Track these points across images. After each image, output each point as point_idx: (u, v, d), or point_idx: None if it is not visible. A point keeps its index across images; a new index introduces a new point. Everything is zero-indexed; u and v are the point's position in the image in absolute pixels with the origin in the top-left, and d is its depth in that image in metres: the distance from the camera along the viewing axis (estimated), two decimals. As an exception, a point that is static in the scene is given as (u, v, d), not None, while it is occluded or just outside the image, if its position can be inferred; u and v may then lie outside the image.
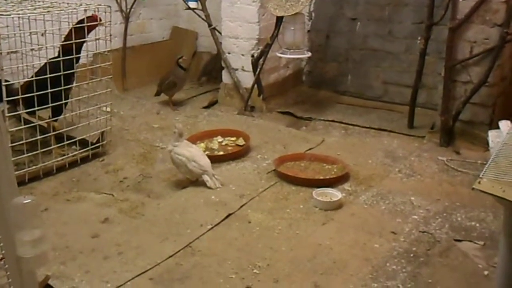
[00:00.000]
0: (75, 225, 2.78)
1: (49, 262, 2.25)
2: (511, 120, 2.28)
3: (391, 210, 2.96)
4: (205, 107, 4.70)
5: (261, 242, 2.65)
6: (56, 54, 3.36)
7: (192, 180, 3.22)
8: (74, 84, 3.47)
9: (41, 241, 1.52)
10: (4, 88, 2.99)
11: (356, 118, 4.45)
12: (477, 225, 2.81)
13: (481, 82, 3.66)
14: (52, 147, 3.35)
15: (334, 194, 3.07)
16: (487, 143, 2.99)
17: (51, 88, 3.17)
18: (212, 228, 2.76)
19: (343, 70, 5.01)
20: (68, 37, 3.34)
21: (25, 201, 1.58)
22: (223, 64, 4.74)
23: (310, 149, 3.78)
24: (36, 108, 3.16)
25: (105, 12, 3.42)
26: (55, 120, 3.44)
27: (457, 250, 2.59)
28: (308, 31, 5.00)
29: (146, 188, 3.20)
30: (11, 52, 3.25)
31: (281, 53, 4.25)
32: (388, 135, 4.08)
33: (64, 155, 3.40)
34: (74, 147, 3.51)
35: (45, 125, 3.43)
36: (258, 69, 4.44)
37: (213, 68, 5.31)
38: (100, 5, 3.51)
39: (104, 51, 3.48)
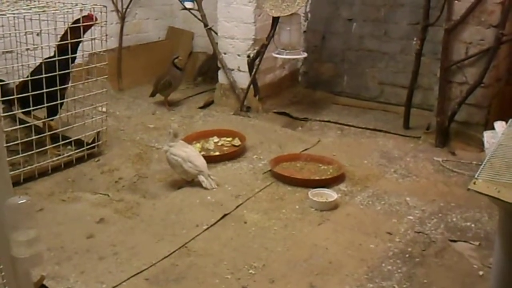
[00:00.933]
0: (70, 225, 2.77)
1: (44, 262, 2.24)
2: (507, 121, 2.29)
3: (386, 211, 2.97)
4: (201, 107, 4.70)
5: (257, 242, 2.65)
6: (52, 54, 3.35)
7: (188, 181, 3.22)
8: (70, 84, 3.46)
9: (36, 242, 1.52)
10: (-1, 88, 2.98)
11: (352, 118, 4.46)
12: (472, 225, 2.82)
13: (476, 83, 3.67)
14: (48, 147, 3.34)
15: (330, 194, 3.07)
16: (483, 144, 2.99)
17: (46, 88, 3.16)
18: (207, 228, 2.76)
19: (339, 70, 5.02)
20: (63, 37, 3.33)
21: (20, 201, 1.57)
22: (219, 65, 4.74)
23: (306, 149, 3.78)
24: (32, 108, 3.15)
25: (101, 12, 3.41)
26: (51, 120, 3.43)
27: (452, 251, 2.59)
28: (304, 31, 5.00)
29: (141, 189, 3.20)
30: (6, 51, 3.24)
31: (277, 54, 4.25)
32: (384, 136, 4.09)
33: (59, 155, 3.39)
34: (69, 147, 3.50)
35: (41, 125, 3.42)
36: (254, 70, 4.43)
37: (209, 68, 5.31)
38: (96, 5, 3.50)
39: (100, 51, 3.47)
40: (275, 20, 4.19)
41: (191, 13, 4.90)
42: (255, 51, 4.47)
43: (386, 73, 4.78)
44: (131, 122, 4.28)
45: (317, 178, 3.34)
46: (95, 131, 3.55)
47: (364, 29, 4.81)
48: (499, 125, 2.29)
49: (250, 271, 2.42)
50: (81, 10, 3.37)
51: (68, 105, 3.50)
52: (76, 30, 3.33)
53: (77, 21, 3.35)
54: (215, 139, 3.88)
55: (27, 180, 3.18)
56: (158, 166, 3.47)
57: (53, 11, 3.28)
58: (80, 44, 3.42)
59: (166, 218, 2.85)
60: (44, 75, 3.15)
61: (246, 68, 4.54)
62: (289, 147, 3.80)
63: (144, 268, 2.42)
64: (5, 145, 2.77)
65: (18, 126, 3.13)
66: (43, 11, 3.25)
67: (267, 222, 2.84)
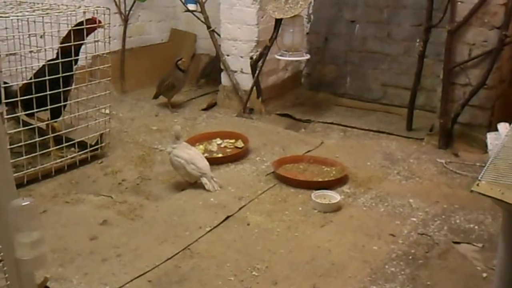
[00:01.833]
0: (74, 227, 2.78)
1: (47, 264, 2.25)
2: (510, 122, 2.29)
3: (389, 212, 2.96)
4: (204, 109, 4.70)
5: (260, 244, 2.65)
6: (55, 56, 3.36)
7: (191, 183, 3.22)
8: (73, 86, 3.47)
9: (40, 243, 1.52)
10: (2, 90, 2.98)
11: (355, 120, 4.45)
12: (476, 227, 2.81)
13: (479, 85, 3.67)
14: (51, 149, 3.35)
15: (333, 196, 3.07)
16: (486, 146, 3.00)
17: (49, 90, 3.17)
18: (210, 230, 2.76)
19: (341, 72, 5.02)
20: (66, 39, 3.34)
21: (23, 203, 1.57)
22: (222, 66, 4.74)
23: (309, 151, 3.78)
24: (35, 110, 3.16)
25: (104, 14, 3.42)
26: (54, 122, 3.43)
27: (455, 252, 2.59)
28: (307, 33, 5.00)
29: (145, 190, 3.20)
30: (10, 54, 3.24)
31: (280, 56, 4.26)
32: (387, 138, 4.09)
33: (62, 157, 3.40)
34: (73, 149, 3.51)
35: (44, 127, 3.43)
36: (257, 72, 4.44)
37: (212, 70, 5.32)
38: (99, 7, 3.52)
39: (103, 53, 3.48)
40: (278, 22, 4.20)
41: (194, 15, 4.90)
42: (258, 53, 4.47)
43: (389, 75, 4.78)
44: (134, 124, 4.29)
45: (320, 180, 3.34)
46: (98, 133, 3.56)
47: (367, 30, 4.81)
48: (503, 127, 2.30)
49: (253, 273, 2.42)
50: (84, 13, 3.39)
51: (71, 107, 3.51)
52: (79, 32, 3.34)
53: (80, 23, 3.36)
54: (218, 141, 3.88)
55: (30, 182, 3.18)
56: (161, 168, 3.48)
57: (56, 14, 3.28)
58: (83, 46, 3.43)
59: (169, 220, 2.85)
60: (47, 77, 3.16)
61: (249, 70, 4.54)
62: (292, 149, 3.80)
63: (147, 270, 2.42)
64: (8, 147, 2.79)
65: (21, 128, 3.14)
66: (47, 13, 3.26)
67: (270, 224, 2.84)
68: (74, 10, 3.38)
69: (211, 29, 4.77)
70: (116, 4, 5.03)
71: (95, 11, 3.41)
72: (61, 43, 3.35)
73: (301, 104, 4.86)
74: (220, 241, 2.67)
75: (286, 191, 3.21)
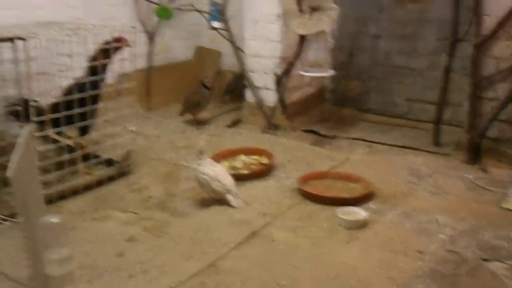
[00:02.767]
0: (101, 243, 2.81)
1: (76, 280, 2.28)
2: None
3: (416, 229, 2.93)
4: (229, 126, 4.73)
5: (285, 260, 2.64)
6: (83, 75, 3.43)
7: (216, 199, 3.24)
8: (100, 104, 3.53)
9: (68, 260, 1.55)
10: (32, 108, 3.05)
11: (380, 135, 4.43)
12: (505, 244, 2.75)
13: (508, 99, 3.62)
14: (79, 166, 3.40)
15: (359, 212, 3.04)
16: (514, 161, 2.96)
17: (78, 108, 3.23)
18: (236, 246, 2.76)
19: (366, 87, 5.01)
20: (94, 58, 3.42)
21: (53, 221, 1.61)
22: (246, 83, 4.78)
23: (334, 167, 3.77)
24: (63, 128, 3.22)
25: (131, 33, 3.48)
26: (83, 139, 3.49)
27: (485, 270, 2.54)
28: (331, 48, 5.01)
29: (170, 207, 3.23)
30: (40, 73, 3.31)
31: (304, 71, 4.26)
32: (413, 153, 4.05)
33: (90, 174, 3.45)
34: (100, 166, 3.56)
35: (72, 144, 3.49)
36: (281, 88, 4.46)
37: (236, 86, 5.35)
38: (125, 26, 3.59)
39: (130, 71, 3.54)
40: (302, 38, 4.22)
41: (219, 32, 4.96)
42: (282, 69, 4.49)
43: (414, 90, 4.75)
44: (160, 141, 4.34)
45: (345, 196, 3.32)
46: (125, 150, 3.61)
47: (392, 45, 4.80)
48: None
49: (279, 289, 2.41)
50: (111, 32, 3.45)
51: (99, 125, 3.57)
52: (107, 51, 3.41)
53: (107, 42, 3.43)
54: (243, 157, 3.90)
55: (59, 198, 3.23)
56: (186, 185, 3.50)
57: (84, 33, 3.36)
58: (110, 65, 3.49)
59: (194, 237, 2.87)
60: (75, 96, 3.23)
61: (273, 86, 4.56)
62: (317, 165, 3.79)
63: (173, 286, 2.43)
64: (38, 164, 2.84)
65: (50, 146, 3.20)
66: (75, 33, 3.33)
67: (295, 240, 2.83)
68: (101, 30, 3.45)
69: (235, 46, 4.81)
70: (142, 23, 5.12)
71: (122, 30, 3.47)
72: (89, 62, 3.42)
73: (326, 120, 4.85)
74: (245, 257, 2.67)
75: (311, 208, 3.20)
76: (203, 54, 5.76)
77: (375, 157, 4.03)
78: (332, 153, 4.06)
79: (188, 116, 4.80)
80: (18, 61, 2.92)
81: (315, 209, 3.18)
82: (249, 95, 4.80)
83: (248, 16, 4.64)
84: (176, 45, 5.61)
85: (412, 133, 4.49)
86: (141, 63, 5.00)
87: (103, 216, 3.12)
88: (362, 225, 2.96)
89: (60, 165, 3.25)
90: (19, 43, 2.92)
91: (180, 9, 5.19)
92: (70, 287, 2.23)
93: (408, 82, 4.76)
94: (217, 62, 5.71)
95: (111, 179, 3.53)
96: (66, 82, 3.44)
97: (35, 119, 3.08)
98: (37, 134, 3.15)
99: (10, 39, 2.92)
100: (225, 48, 5.38)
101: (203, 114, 4.90)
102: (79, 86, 3.29)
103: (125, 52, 3.51)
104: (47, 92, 3.39)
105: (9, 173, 1.73)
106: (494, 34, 3.61)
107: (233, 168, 3.73)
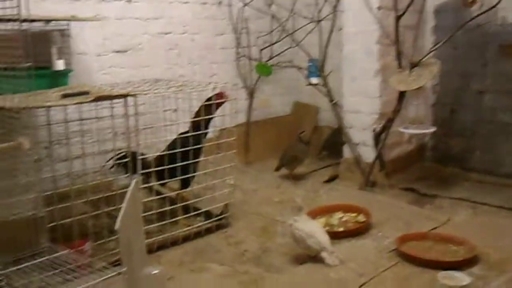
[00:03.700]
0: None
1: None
2: None
3: (527, 300, 2.71)
4: (325, 182, 4.71)
5: (383, 325, 2.53)
6: (186, 129, 3.59)
7: (311, 256, 3.20)
8: (202, 158, 3.66)
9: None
10: (139, 161, 3.22)
11: (486, 196, 4.20)
12: None
13: None
14: (179, 217, 3.52)
15: (462, 278, 2.88)
16: None
17: (181, 162, 3.37)
18: (331, 307, 2.70)
19: (470, 145, 4.81)
20: (197, 113, 3.58)
21: (154, 271, 1.67)
22: (344, 139, 4.76)
23: (434, 228, 3.61)
24: (167, 181, 3.36)
25: (232, 90, 3.62)
26: (184, 191, 3.63)
27: None
28: (432, 105, 4.90)
29: (265, 262, 3.23)
30: (147, 127, 3.51)
31: (404, 128, 4.19)
32: (523, 216, 3.80)
33: (190, 225, 3.56)
34: (199, 218, 3.66)
35: (174, 196, 3.63)
36: (380, 144, 4.39)
37: (334, 142, 5.34)
38: (227, 83, 3.74)
39: (230, 126, 3.65)
40: (402, 94, 4.16)
41: (317, 88, 5.02)
42: (380, 125, 4.44)
43: (523, 148, 4.50)
44: (257, 195, 4.39)
45: (447, 259, 3.15)
46: (223, 203, 3.69)
47: (497, 101, 4.60)
48: None
49: None
50: (213, 89, 3.61)
51: (199, 178, 3.69)
52: (209, 107, 3.56)
53: (209, 98, 3.59)
54: (340, 214, 3.84)
55: (159, 248, 3.34)
56: (282, 240, 3.50)
57: (189, 90, 3.53)
58: (212, 120, 3.64)
59: (289, 294, 2.84)
60: (179, 150, 3.38)
61: (371, 142, 4.51)
62: (416, 225, 3.65)
63: None
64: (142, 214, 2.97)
65: (154, 197, 3.35)
66: (180, 90, 3.51)
67: (393, 304, 2.72)
68: (205, 87, 3.61)
69: (333, 101, 4.84)
70: (242, 79, 5.31)
71: (224, 87, 3.62)
72: (192, 118, 3.59)
73: (426, 178, 4.69)
74: (341, 319, 2.60)
75: (410, 270, 3.07)
76: (301, 109, 5.84)
77: (480, 219, 3.81)
78: (433, 213, 3.90)
79: (285, 171, 4.84)
80: (128, 116, 3.12)
81: (414, 272, 3.04)
82: (346, 151, 4.77)
83: (347, 72, 4.67)
84: (274, 101, 5.74)
85: (522, 195, 4.23)
86: (240, 118, 5.15)
87: (200, 267, 3.17)
88: (465, 291, 2.80)
89: (161, 216, 3.38)
90: (130, 99, 3.12)
91: (279, 66, 5.34)
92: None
93: (517, 140, 4.53)
94: (315, 117, 5.76)
95: (209, 231, 3.61)
96: (171, 136, 3.61)
97: (142, 171, 3.24)
98: (143, 185, 3.31)
99: (123, 96, 3.13)
100: (323, 103, 5.42)
101: (300, 169, 4.92)
102: (183, 140, 3.44)
103: (226, 108, 3.64)
104: (153, 145, 3.58)
105: (117, 225, 1.82)
106: None
107: (329, 225, 3.68)
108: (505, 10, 4.37)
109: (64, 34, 3.82)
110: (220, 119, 3.66)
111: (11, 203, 2.53)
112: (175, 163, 3.36)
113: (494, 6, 3.87)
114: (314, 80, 5.09)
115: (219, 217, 3.66)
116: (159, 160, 3.45)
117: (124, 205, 2.02)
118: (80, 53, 4.15)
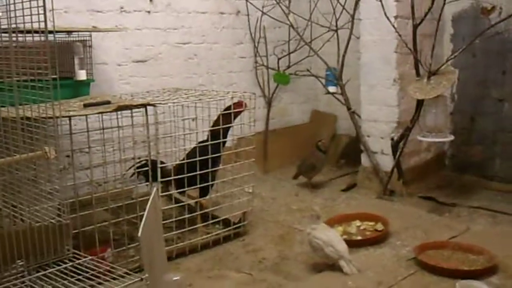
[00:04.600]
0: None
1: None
2: None
3: (547, 310, 2.69)
4: (343, 190, 4.72)
5: (400, 334, 2.53)
6: (205, 138, 3.63)
7: (329, 264, 3.21)
8: (220, 167, 3.70)
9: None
10: (159, 169, 3.27)
11: (506, 205, 4.16)
12: None
13: None
14: (198, 225, 3.55)
15: (480, 287, 2.86)
16: None
17: (200, 170, 3.41)
18: (349, 315, 2.70)
19: (490, 153, 4.77)
20: (216, 122, 3.62)
21: (174, 278, 1.71)
22: (362, 147, 4.76)
23: (453, 237, 3.59)
24: (186, 189, 3.41)
25: (250, 99, 3.65)
26: (203, 199, 3.66)
27: None
28: (451, 113, 4.88)
29: (283, 270, 3.24)
30: (166, 136, 3.56)
31: (422, 137, 4.17)
32: (544, 225, 3.76)
33: (208, 233, 3.59)
34: (217, 226, 3.69)
35: (193, 204, 3.67)
36: (398, 153, 4.39)
37: (352, 151, 5.35)
38: (245, 92, 3.77)
39: (248, 135, 3.69)
40: (420, 103, 4.15)
41: (335, 97, 5.04)
42: (399, 133, 4.44)
43: (544, 157, 4.46)
44: (275, 203, 4.42)
45: (466, 268, 3.14)
46: (241, 211, 3.72)
47: (518, 109, 4.58)
48: None
49: None
50: (232, 98, 3.65)
51: (217, 186, 3.72)
52: (228, 116, 3.60)
53: (228, 107, 3.63)
54: (358, 223, 3.84)
55: (178, 255, 3.38)
56: (299, 248, 3.51)
57: (207, 99, 3.58)
58: (230, 129, 3.68)
59: (307, 302, 2.85)
60: (198, 158, 3.42)
61: (389, 151, 4.51)
62: (435, 234, 3.64)
63: None
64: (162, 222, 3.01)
65: (173, 205, 3.39)
66: (199, 99, 3.56)
67: (412, 313, 2.71)
68: (223, 96, 3.65)
69: (351, 110, 4.85)
70: (260, 88, 5.35)
71: (242, 96, 3.66)
72: (211, 127, 3.63)
73: (444, 187, 4.67)
74: (359, 328, 2.60)
75: (428, 279, 3.06)
76: (318, 118, 5.86)
77: (500, 228, 3.79)
78: (451, 222, 3.88)
79: (303, 179, 4.86)
80: (148, 125, 3.17)
81: (432, 281, 3.03)
82: (364, 160, 4.78)
83: (364, 81, 4.68)
84: (292, 109, 5.77)
85: (543, 204, 4.18)
86: (259, 127, 5.18)
87: (218, 275, 3.20)
88: (484, 301, 2.78)
89: (180, 224, 3.42)
90: (150, 108, 3.17)
91: (297, 75, 5.37)
92: None
93: (538, 149, 4.48)
94: (333, 126, 5.77)
95: (227, 239, 3.64)
96: (190, 145, 3.66)
97: (162, 179, 3.29)
98: (163, 193, 3.35)
99: (143, 105, 3.18)
100: (340, 112, 5.44)
101: (318, 178, 4.93)
102: (202, 149, 3.49)
103: (244, 117, 3.68)
104: (172, 154, 3.62)
105: (139, 233, 1.86)
106: None
107: (347, 233, 3.69)
108: (524, 17, 4.35)
109: (85, 44, 3.90)
110: (239, 128, 3.69)
111: (36, 210, 2.59)
112: (194, 172, 3.40)
113: (512, 14, 3.85)
114: (332, 88, 5.11)
115: (238, 225, 3.69)
116: (179, 168, 3.49)
117: (145, 213, 2.06)
118: (101, 63, 4.23)
